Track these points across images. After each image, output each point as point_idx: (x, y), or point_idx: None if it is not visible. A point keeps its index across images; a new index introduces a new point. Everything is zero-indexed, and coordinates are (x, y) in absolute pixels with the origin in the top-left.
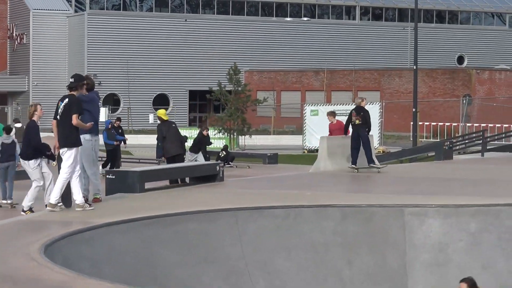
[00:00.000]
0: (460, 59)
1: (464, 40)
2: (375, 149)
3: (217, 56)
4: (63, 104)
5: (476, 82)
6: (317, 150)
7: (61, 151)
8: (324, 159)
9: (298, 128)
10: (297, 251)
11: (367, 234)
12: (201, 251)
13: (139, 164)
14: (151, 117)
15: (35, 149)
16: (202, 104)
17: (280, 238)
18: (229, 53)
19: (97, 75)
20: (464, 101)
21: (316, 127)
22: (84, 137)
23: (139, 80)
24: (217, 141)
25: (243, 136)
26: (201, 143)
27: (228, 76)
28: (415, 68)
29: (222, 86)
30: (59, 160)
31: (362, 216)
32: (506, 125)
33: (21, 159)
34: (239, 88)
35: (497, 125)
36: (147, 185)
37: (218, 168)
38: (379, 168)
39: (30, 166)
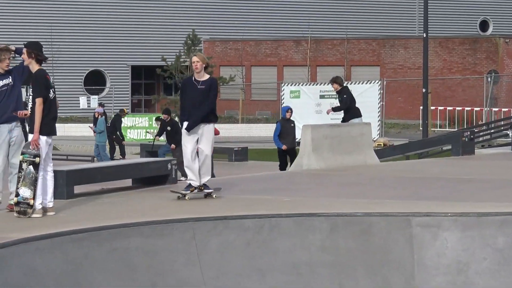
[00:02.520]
0: (484, 25)
1: (488, 0)
2: (374, 141)
3: (169, 21)
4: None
5: (504, 54)
6: (298, 144)
7: None
8: (307, 154)
9: (273, 114)
10: (274, 274)
11: (364, 251)
12: (147, 275)
13: (67, 162)
14: (82, 101)
15: None
16: (149, 83)
17: (251, 257)
18: (184, 17)
19: (10, 45)
20: (489, 79)
21: (298, 113)
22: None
23: (65, 53)
24: None
25: None
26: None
27: (185, 47)
28: (425, 36)
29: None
30: None
31: (357, 228)
32: None
33: None
34: None
35: None
36: (77, 189)
37: (170, 166)
38: None
39: None
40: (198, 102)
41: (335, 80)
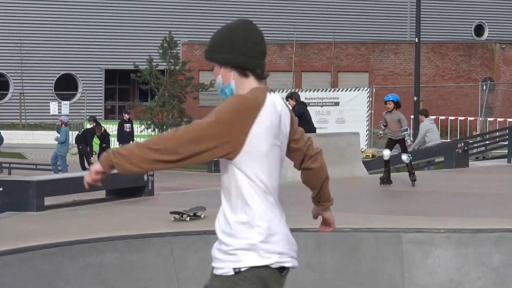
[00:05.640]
0: (479, 29)
1: (484, 4)
2: (362, 152)
3: (145, 23)
4: None
5: (500, 60)
6: None
7: None
8: (292, 166)
9: None
10: None
11: (352, 270)
12: None
13: (36, 172)
14: (52, 106)
15: None
16: (124, 88)
17: None
18: (161, 19)
19: None
20: (484, 87)
21: None
22: None
23: (35, 55)
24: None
25: None
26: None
27: (160, 51)
28: (417, 40)
29: (154, 64)
30: None
31: (344, 244)
32: None
33: None
34: (176, 67)
35: None
36: (47, 201)
37: (146, 177)
38: None
39: None
40: None
41: (289, 96)
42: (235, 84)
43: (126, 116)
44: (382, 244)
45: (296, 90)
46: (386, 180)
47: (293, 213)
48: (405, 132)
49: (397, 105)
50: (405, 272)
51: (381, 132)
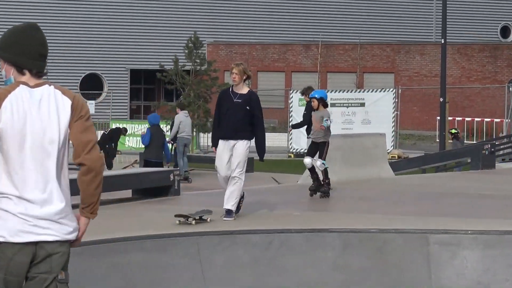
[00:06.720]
0: (505, 31)
1: (510, 5)
2: (388, 153)
3: (170, 23)
4: None
5: None
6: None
7: None
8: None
9: (281, 123)
10: None
11: (378, 270)
12: None
13: None
14: None
15: None
16: (149, 88)
17: (259, 275)
18: (186, 19)
19: None
20: (511, 89)
21: None
22: None
23: (61, 55)
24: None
25: (205, 134)
26: None
27: (186, 51)
28: (443, 42)
29: (180, 64)
30: None
31: (371, 245)
32: None
33: None
34: (202, 68)
35: None
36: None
37: (172, 177)
38: None
39: None
40: (231, 115)
41: (303, 92)
42: (14, 79)
43: None
44: (409, 245)
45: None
46: (316, 190)
47: (319, 213)
48: (325, 123)
49: (322, 102)
50: (432, 273)
51: (309, 136)
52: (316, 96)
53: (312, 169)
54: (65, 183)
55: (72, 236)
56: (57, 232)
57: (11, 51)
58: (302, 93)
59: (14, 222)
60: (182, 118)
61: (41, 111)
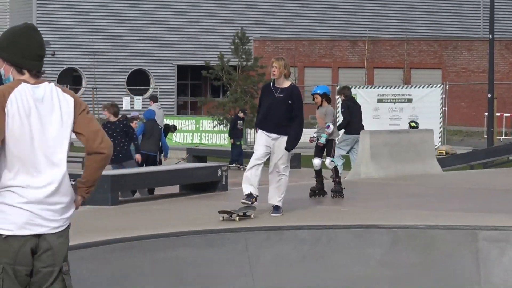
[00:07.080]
0: None
1: None
2: (436, 149)
3: (217, 19)
4: None
5: None
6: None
7: None
8: (365, 162)
9: None
10: None
11: (427, 266)
12: (197, 287)
13: (109, 167)
14: (125, 102)
15: None
16: (196, 84)
17: (307, 270)
18: (233, 15)
19: (50, 42)
20: None
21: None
22: None
23: (108, 51)
24: (216, 135)
25: (252, 130)
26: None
27: (232, 47)
28: (491, 37)
29: (225, 59)
30: None
31: (419, 241)
32: None
33: None
34: (248, 63)
35: None
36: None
37: (220, 172)
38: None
39: None
40: (273, 110)
41: (339, 91)
42: (13, 78)
43: (241, 114)
44: (458, 242)
45: (368, 87)
46: (318, 192)
47: (367, 209)
48: (326, 129)
49: (325, 97)
50: (481, 270)
51: (314, 134)
52: (318, 92)
53: (319, 172)
54: (67, 175)
55: (69, 221)
56: (61, 223)
57: (11, 51)
58: (338, 93)
59: (20, 215)
60: (155, 110)
61: (45, 107)
